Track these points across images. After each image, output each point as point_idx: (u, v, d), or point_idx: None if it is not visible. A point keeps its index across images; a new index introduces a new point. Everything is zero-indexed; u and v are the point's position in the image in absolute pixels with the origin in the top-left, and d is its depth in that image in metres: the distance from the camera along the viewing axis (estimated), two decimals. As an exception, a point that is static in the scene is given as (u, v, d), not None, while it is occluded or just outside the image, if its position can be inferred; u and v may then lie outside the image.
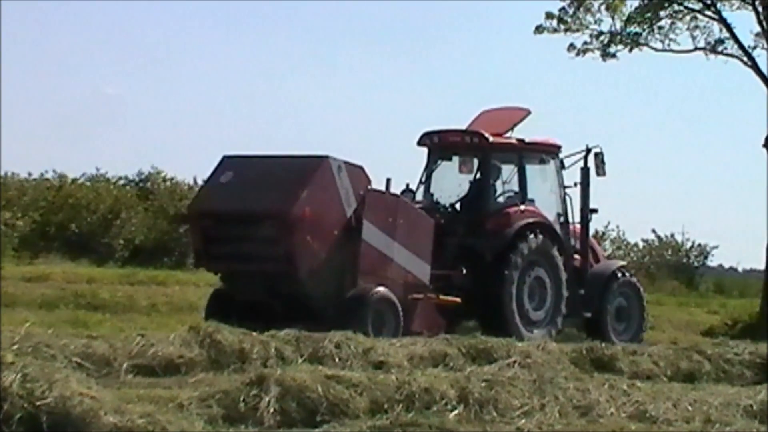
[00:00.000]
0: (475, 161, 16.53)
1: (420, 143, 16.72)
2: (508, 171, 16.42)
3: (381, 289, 13.86)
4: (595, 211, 16.95)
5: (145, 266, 24.06)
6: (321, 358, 10.33)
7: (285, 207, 13.40)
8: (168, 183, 29.78)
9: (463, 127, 16.78)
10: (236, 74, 44.51)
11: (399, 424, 7.15)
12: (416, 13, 44.37)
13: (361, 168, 14.08)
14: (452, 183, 16.69)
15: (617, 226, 32.65)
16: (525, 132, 16.76)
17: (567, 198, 16.79)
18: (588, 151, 16.66)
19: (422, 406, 7.75)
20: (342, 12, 44.51)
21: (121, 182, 29.85)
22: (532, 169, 16.53)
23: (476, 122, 16.78)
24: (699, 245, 33.37)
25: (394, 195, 14.88)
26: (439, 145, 16.67)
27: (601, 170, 16.63)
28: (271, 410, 7.59)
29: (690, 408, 8.24)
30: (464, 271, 15.34)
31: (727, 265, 37.02)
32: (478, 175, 16.33)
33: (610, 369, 11.15)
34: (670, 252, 33.34)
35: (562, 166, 16.82)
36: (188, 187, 29.70)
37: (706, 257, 33.60)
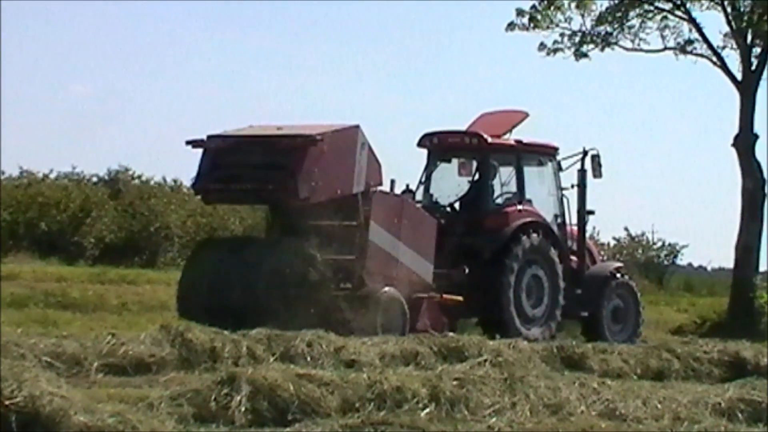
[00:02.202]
0: (474, 162, 16.73)
1: (420, 144, 17.02)
2: (507, 172, 16.69)
3: (389, 289, 14.07)
4: (591, 212, 17.23)
5: (116, 265, 23.93)
6: (292, 357, 10.34)
7: (306, 132, 13.64)
8: (137, 181, 29.68)
9: (463, 129, 17.00)
10: (225, 73, 44.35)
11: (370, 422, 7.15)
12: (417, 13, 44.48)
13: (379, 164, 14.39)
14: (451, 183, 17.01)
15: (593, 227, 32.83)
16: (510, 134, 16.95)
17: (564, 199, 17.00)
18: (585, 153, 16.99)
19: (394, 405, 7.76)
20: (338, 12, 44.44)
21: (93, 180, 29.69)
22: (530, 171, 16.87)
23: (475, 124, 17.09)
24: (669, 244, 33.59)
25: (398, 196, 15.22)
26: (439, 147, 16.94)
27: (597, 172, 16.98)
28: (242, 409, 7.58)
29: (659, 406, 8.29)
30: (466, 270, 15.50)
31: (696, 264, 37.31)
32: (477, 176, 16.60)
33: (580, 367, 11.23)
34: (640, 251, 33.51)
35: (559, 168, 17.07)
36: (158, 186, 29.62)
37: (675, 256, 33.84)
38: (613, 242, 33.57)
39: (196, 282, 13.74)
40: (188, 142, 14.21)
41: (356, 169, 13.99)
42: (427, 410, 7.71)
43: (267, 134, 13.98)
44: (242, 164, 13.81)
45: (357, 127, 14.20)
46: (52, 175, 28.91)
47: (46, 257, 24.75)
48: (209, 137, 14.22)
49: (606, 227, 36.42)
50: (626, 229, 33.58)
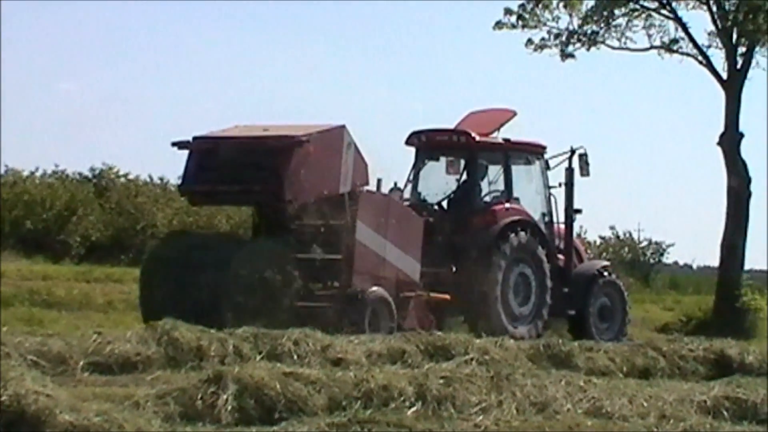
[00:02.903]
0: (462, 160, 16.77)
1: (408, 142, 17.06)
2: (495, 170, 16.73)
3: (377, 288, 14.11)
4: (579, 211, 17.27)
5: (102, 263, 23.88)
6: (279, 356, 10.33)
7: (291, 133, 13.68)
8: (123, 179, 29.63)
9: (451, 127, 17.04)
10: (212, 72, 44.25)
11: (357, 421, 7.15)
12: (404, 11, 44.47)
13: (365, 164, 14.43)
14: (439, 182, 17.04)
15: (581, 226, 32.88)
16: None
17: (552, 198, 17.03)
18: (572, 152, 17.05)
19: (380, 403, 7.77)
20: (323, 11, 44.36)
21: (78, 179, 29.61)
22: (517, 169, 16.92)
23: (463, 123, 17.11)
24: (655, 243, 33.68)
25: (385, 195, 15.23)
26: (427, 145, 16.97)
27: (585, 171, 17.03)
28: (229, 408, 7.58)
29: (645, 404, 8.31)
30: (453, 268, 15.52)
31: (681, 263, 37.44)
32: (465, 174, 16.63)
33: (566, 365, 11.23)
34: (626, 249, 33.59)
35: (547, 167, 17.11)
36: (144, 184, 29.57)
37: (661, 254, 33.94)
38: (599, 241, 33.69)
39: (159, 282, 13.61)
40: (174, 144, 14.20)
41: (342, 170, 14.02)
42: (414, 408, 7.71)
43: (253, 135, 13.97)
44: (228, 166, 13.81)
45: (343, 127, 14.22)
46: (38, 173, 28.86)
47: (31, 256, 24.67)
48: (195, 138, 14.22)
49: (593, 226, 36.51)
50: (612, 227, 33.68)
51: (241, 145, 13.87)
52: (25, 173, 28.60)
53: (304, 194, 13.69)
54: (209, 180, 13.92)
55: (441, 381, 8.10)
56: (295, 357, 10.43)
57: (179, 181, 14.82)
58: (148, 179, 29.88)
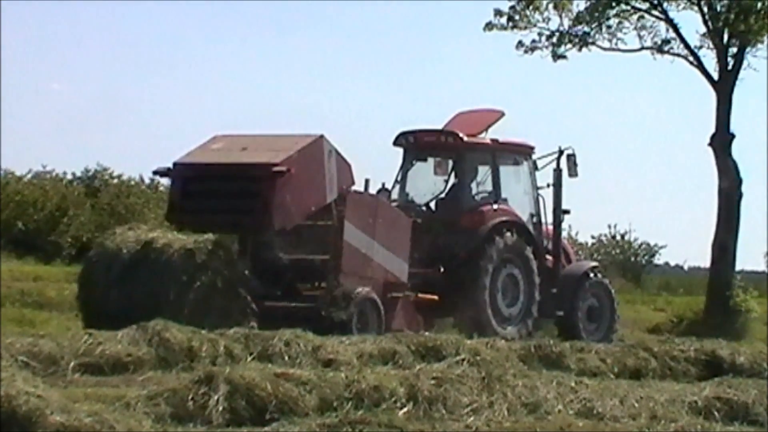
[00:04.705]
0: (450, 161, 16.75)
1: (396, 143, 17.04)
2: (483, 171, 16.72)
3: (364, 289, 14.03)
4: (567, 212, 17.28)
5: (93, 264, 23.78)
6: (270, 356, 10.32)
7: (272, 159, 13.51)
8: (116, 180, 29.58)
9: (439, 128, 17.02)
10: (203, 72, 44.24)
11: (348, 421, 7.16)
12: (395, 11, 44.47)
13: (349, 165, 14.32)
14: (427, 182, 17.01)
15: (569, 226, 32.90)
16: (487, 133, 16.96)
17: (540, 199, 17.03)
18: (561, 152, 17.03)
19: (371, 404, 7.77)
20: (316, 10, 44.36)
21: (69, 179, 29.56)
22: (505, 170, 16.91)
23: (451, 123, 17.10)
24: (646, 244, 33.71)
25: (373, 195, 15.21)
26: (415, 145, 16.96)
27: (573, 171, 17.02)
28: (220, 408, 7.57)
29: (636, 404, 8.33)
30: (441, 269, 15.52)
31: (673, 263, 37.51)
32: (453, 175, 16.60)
33: (557, 366, 11.24)
34: (618, 250, 33.62)
35: (535, 167, 17.11)
36: (135, 184, 29.53)
37: (652, 256, 33.97)
38: (591, 241, 33.70)
39: (98, 284, 13.42)
40: (155, 172, 14.13)
41: (327, 179, 13.92)
42: (405, 409, 7.72)
43: (234, 162, 13.69)
44: (213, 194, 13.71)
45: (321, 137, 14.04)
46: (30, 175, 28.80)
47: (22, 256, 24.62)
48: (176, 165, 14.02)
49: (584, 227, 36.58)
50: (610, 226, 33.64)
51: (223, 172, 13.67)
52: (18, 174, 28.55)
53: (293, 218, 13.61)
54: (196, 209, 13.73)
55: (432, 382, 8.10)
56: (286, 358, 10.42)
57: (165, 211, 14.62)
58: (138, 180, 29.87)
